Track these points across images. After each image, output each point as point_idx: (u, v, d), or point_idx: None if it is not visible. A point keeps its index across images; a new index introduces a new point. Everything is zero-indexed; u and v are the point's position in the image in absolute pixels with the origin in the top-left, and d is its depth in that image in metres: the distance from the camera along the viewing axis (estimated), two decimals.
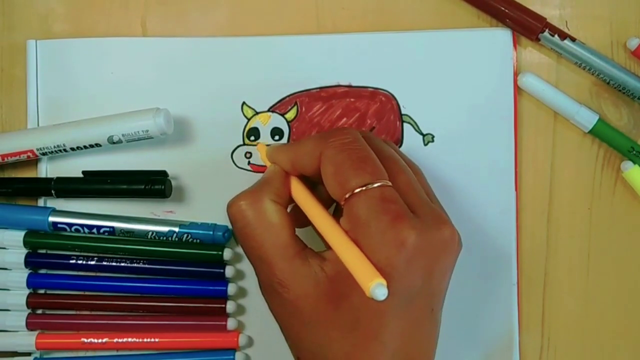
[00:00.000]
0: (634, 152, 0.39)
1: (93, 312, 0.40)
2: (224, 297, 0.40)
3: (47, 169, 0.40)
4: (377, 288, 0.28)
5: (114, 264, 0.40)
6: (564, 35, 0.39)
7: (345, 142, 0.33)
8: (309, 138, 0.34)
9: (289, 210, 0.34)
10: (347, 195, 0.31)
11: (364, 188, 0.31)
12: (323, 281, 0.32)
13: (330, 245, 0.31)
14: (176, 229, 0.39)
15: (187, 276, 0.40)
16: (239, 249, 0.40)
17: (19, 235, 0.39)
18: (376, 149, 0.34)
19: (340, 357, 0.31)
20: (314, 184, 0.35)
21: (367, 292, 0.28)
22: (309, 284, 0.32)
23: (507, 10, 0.39)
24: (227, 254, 0.39)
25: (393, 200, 0.31)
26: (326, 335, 0.32)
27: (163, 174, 0.39)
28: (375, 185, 0.31)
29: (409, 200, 0.32)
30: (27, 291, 0.40)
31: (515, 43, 0.40)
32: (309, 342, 0.32)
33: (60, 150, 0.39)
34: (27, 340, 0.40)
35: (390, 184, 0.32)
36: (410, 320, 0.32)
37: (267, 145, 0.37)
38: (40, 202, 0.40)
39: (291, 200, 0.35)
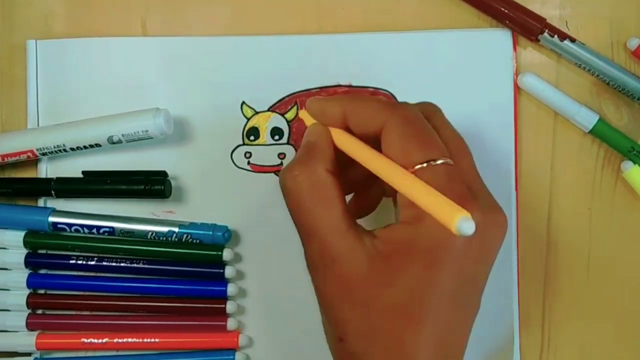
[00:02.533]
0: (634, 152, 0.39)
1: (93, 312, 0.40)
2: (223, 297, 0.40)
3: (47, 169, 0.40)
4: (463, 222, 0.25)
5: (113, 264, 0.40)
6: (563, 36, 0.39)
7: (412, 118, 0.32)
8: (371, 99, 0.33)
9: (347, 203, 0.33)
10: (410, 170, 0.30)
11: (425, 165, 0.30)
12: (376, 258, 0.30)
13: (397, 188, 0.30)
14: (176, 229, 0.39)
15: (186, 276, 0.40)
16: (239, 249, 0.40)
17: (19, 235, 0.39)
18: (440, 127, 0.33)
19: (390, 337, 0.30)
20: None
21: (453, 229, 0.26)
22: (362, 260, 0.30)
23: (507, 11, 0.39)
24: (226, 254, 0.39)
25: (458, 180, 0.30)
26: (377, 315, 0.30)
27: (163, 174, 0.39)
28: (439, 162, 0.30)
29: (469, 183, 0.31)
30: (27, 291, 0.40)
31: (515, 43, 0.40)
32: (357, 321, 0.31)
33: (60, 150, 0.39)
34: (27, 340, 0.40)
35: (452, 162, 0.31)
36: (458, 303, 0.31)
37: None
38: (40, 202, 0.40)
39: (339, 164, 0.33)
